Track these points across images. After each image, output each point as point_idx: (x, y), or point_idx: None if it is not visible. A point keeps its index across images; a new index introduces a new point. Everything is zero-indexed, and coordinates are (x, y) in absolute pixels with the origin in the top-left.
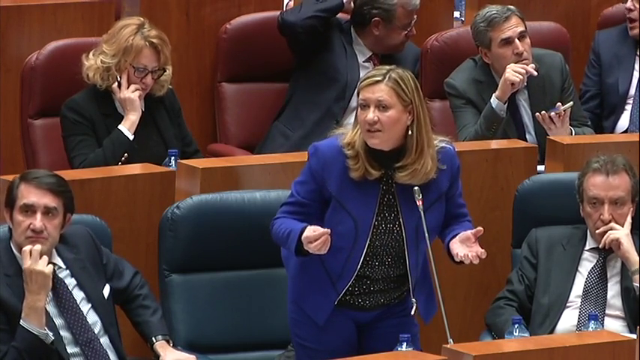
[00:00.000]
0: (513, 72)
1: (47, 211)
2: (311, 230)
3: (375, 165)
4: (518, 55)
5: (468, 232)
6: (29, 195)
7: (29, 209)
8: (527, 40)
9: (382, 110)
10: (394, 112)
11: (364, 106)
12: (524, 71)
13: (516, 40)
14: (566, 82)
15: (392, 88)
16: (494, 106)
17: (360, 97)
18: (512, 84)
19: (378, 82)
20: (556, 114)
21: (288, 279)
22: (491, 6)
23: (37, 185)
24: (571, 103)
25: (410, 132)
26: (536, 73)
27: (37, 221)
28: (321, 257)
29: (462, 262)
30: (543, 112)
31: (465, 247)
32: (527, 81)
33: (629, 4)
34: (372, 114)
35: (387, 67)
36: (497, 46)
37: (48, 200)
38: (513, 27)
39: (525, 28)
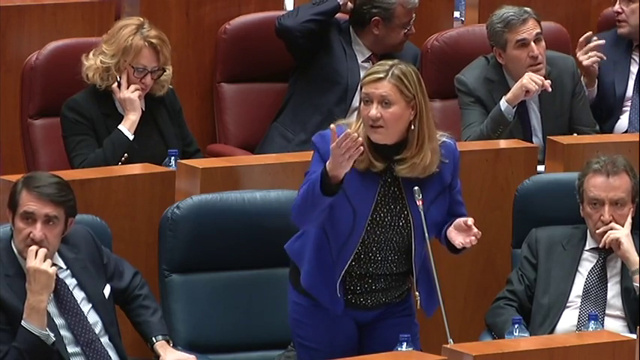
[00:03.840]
0: (531, 80)
1: (48, 220)
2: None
3: (378, 158)
4: (533, 58)
5: (460, 221)
6: (30, 203)
7: (30, 217)
8: (543, 44)
9: (385, 106)
10: (397, 109)
11: (367, 101)
12: (541, 82)
13: (532, 43)
14: (577, 86)
15: (395, 84)
16: (502, 109)
17: (363, 91)
18: (527, 92)
19: (380, 78)
20: None
21: (302, 272)
22: (507, 7)
23: (38, 196)
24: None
25: (412, 127)
26: (550, 90)
27: (37, 231)
28: (328, 237)
29: (463, 249)
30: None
31: (463, 234)
32: None
33: (616, 7)
34: (374, 110)
35: (390, 63)
36: (512, 47)
37: (49, 210)
38: (530, 29)
39: (541, 31)
